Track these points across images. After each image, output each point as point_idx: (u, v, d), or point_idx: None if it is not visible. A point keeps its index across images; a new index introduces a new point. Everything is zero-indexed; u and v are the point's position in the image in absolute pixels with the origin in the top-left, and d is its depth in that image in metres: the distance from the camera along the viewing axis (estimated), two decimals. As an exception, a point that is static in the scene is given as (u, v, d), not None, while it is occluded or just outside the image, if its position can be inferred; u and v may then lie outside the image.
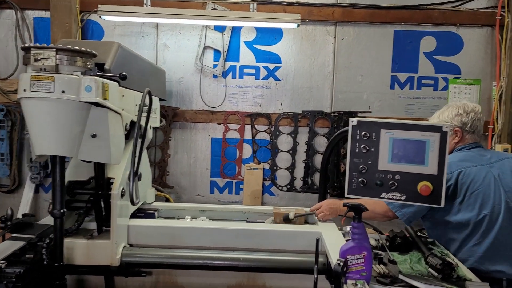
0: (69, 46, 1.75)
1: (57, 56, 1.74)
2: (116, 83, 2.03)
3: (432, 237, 2.49)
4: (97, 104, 1.87)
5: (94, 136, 1.90)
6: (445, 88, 3.87)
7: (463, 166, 2.38)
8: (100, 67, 2.00)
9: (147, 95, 2.10)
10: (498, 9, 3.71)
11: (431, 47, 3.83)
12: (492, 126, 3.80)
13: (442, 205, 1.78)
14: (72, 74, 1.78)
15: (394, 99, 3.89)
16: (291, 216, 2.64)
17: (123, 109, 2.11)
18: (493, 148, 3.72)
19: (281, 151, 3.95)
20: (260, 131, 3.94)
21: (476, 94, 3.86)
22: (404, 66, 3.86)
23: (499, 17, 3.71)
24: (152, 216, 2.76)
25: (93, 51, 1.86)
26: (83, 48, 1.80)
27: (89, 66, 1.84)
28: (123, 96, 2.13)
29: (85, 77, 1.78)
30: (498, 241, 2.30)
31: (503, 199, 2.33)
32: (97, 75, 1.82)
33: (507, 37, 3.68)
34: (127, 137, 2.29)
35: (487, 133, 3.83)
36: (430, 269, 1.99)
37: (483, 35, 3.82)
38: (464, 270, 2.05)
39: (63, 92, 1.74)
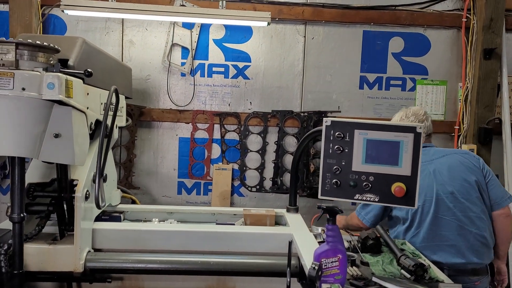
0: (30, 41, 1.64)
1: (17, 51, 1.62)
2: (81, 80, 1.92)
3: (391, 233, 2.65)
4: (60, 102, 1.76)
5: (56, 136, 1.78)
6: (413, 89, 3.92)
7: None
8: (64, 63, 1.88)
9: (114, 94, 2.00)
10: (464, 12, 3.79)
11: (399, 48, 3.87)
12: (458, 127, 3.87)
13: (416, 207, 1.78)
14: (33, 70, 1.66)
15: (363, 99, 3.91)
16: None
17: (88, 108, 2.01)
18: (459, 148, 3.79)
19: (251, 151, 3.91)
20: (229, 131, 3.89)
21: (443, 95, 3.93)
22: (373, 67, 3.89)
23: (465, 19, 3.80)
24: (117, 219, 2.65)
25: (56, 46, 1.75)
26: (45, 43, 1.69)
27: (52, 62, 1.73)
28: (88, 94, 2.02)
29: (47, 74, 1.67)
30: (432, 232, 2.55)
31: (434, 193, 2.56)
32: (60, 72, 1.71)
33: (472, 39, 3.76)
34: (92, 137, 2.18)
35: (453, 134, 3.91)
36: (402, 271, 1.99)
37: (449, 36, 3.89)
38: (436, 271, 2.07)
39: (23, 89, 1.62)
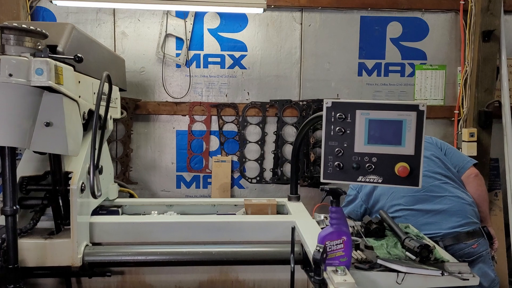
0: (16, 24, 1.58)
1: (3, 35, 1.57)
2: (71, 68, 1.86)
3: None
4: (50, 90, 1.70)
5: (48, 124, 1.73)
6: (412, 74, 3.87)
7: None
8: (53, 49, 1.82)
9: (106, 81, 1.94)
10: (461, -6, 3.73)
11: (397, 33, 3.81)
12: (457, 111, 3.82)
13: (420, 186, 1.74)
14: (20, 56, 1.60)
15: (362, 86, 3.86)
16: None
17: (80, 96, 1.95)
18: (460, 132, 3.74)
19: (250, 142, 3.85)
20: (227, 122, 3.83)
21: (442, 79, 3.87)
22: (371, 53, 3.83)
23: (463, 2, 3.74)
24: (115, 213, 2.61)
25: (43, 31, 1.69)
26: (32, 27, 1.63)
27: (40, 47, 1.67)
28: (79, 82, 1.96)
29: (35, 59, 1.61)
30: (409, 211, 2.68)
31: None
32: (49, 57, 1.65)
33: (471, 22, 3.70)
34: (86, 127, 2.12)
35: (453, 118, 3.86)
36: (407, 253, 1.96)
37: (447, 20, 3.83)
38: (440, 252, 2.03)
39: (10, 75, 1.57)
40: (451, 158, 2.89)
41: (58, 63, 1.71)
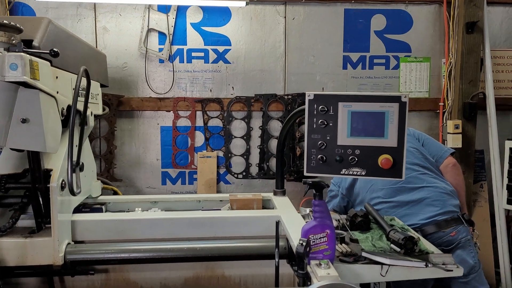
0: (-13, 18, 1.53)
1: (-26, 30, 1.52)
2: (48, 63, 1.82)
3: None
4: (26, 85, 1.66)
5: (24, 121, 1.69)
6: (397, 67, 3.87)
7: None
8: (28, 44, 1.77)
9: (84, 75, 1.90)
10: (445, -15, 3.73)
11: (381, 25, 3.81)
12: (442, 104, 3.83)
13: (403, 178, 1.74)
14: (-7, 51, 1.56)
15: (347, 79, 3.85)
16: None
17: (58, 92, 1.90)
18: (445, 124, 3.75)
19: (235, 137, 3.82)
20: (212, 117, 3.80)
21: (427, 72, 3.88)
22: (356, 46, 3.83)
23: (446, -6, 3.74)
24: (99, 211, 2.57)
25: (17, 25, 1.64)
26: (5, 21, 1.58)
27: (14, 41, 1.62)
28: (57, 77, 1.92)
29: (9, 54, 1.57)
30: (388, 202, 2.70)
31: None
32: (24, 52, 1.60)
33: (454, 13, 3.71)
34: (66, 124, 2.08)
35: (438, 111, 3.87)
36: (392, 245, 1.96)
37: (431, 12, 3.84)
38: (425, 243, 2.04)
39: (-17, 70, 1.52)
40: (429, 149, 2.91)
41: (34, 58, 1.67)
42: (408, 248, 1.90)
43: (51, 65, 1.85)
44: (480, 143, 3.83)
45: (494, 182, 3.67)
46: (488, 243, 3.72)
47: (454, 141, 3.63)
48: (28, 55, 1.62)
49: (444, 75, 3.84)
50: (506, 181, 3.49)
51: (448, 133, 3.67)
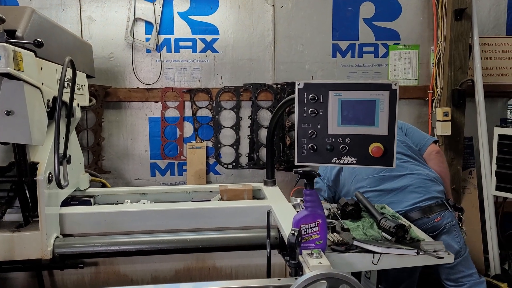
0: (-32, 8, 1.48)
1: (-46, 20, 1.47)
2: (32, 53, 1.78)
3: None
4: (9, 76, 1.62)
5: (8, 113, 1.65)
6: (386, 55, 3.86)
7: None
8: (11, 34, 1.73)
9: (69, 66, 1.86)
10: (432, -28, 3.72)
11: (370, 13, 3.78)
12: (431, 91, 3.84)
13: (394, 166, 1.73)
14: (-26, 41, 1.52)
15: (337, 67, 3.83)
16: None
17: (43, 83, 1.86)
18: (434, 112, 3.76)
19: (224, 127, 3.79)
20: (200, 108, 3.76)
21: (416, 59, 3.88)
22: (345, 34, 3.80)
23: (434, -19, 3.73)
24: (87, 203, 2.55)
25: (0, 15, 1.59)
26: (-14, 11, 1.54)
27: (-4, 32, 1.58)
28: (41, 68, 1.87)
29: (-9, 44, 1.52)
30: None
31: None
32: (7, 42, 1.56)
33: (443, 1, 3.69)
34: (52, 116, 2.04)
35: (427, 98, 3.87)
36: (383, 233, 1.96)
37: (420, -1, 3.82)
38: (416, 231, 2.04)
39: (-36, 62, 1.48)
40: (412, 137, 2.94)
41: (17, 49, 1.63)
42: (399, 236, 1.90)
43: (36, 55, 1.81)
44: (469, 130, 3.84)
45: (483, 168, 3.70)
46: (477, 229, 3.76)
47: (443, 128, 3.64)
48: (11, 46, 1.58)
49: (433, 63, 3.83)
50: (494, 167, 3.51)
51: (437, 120, 3.67)
